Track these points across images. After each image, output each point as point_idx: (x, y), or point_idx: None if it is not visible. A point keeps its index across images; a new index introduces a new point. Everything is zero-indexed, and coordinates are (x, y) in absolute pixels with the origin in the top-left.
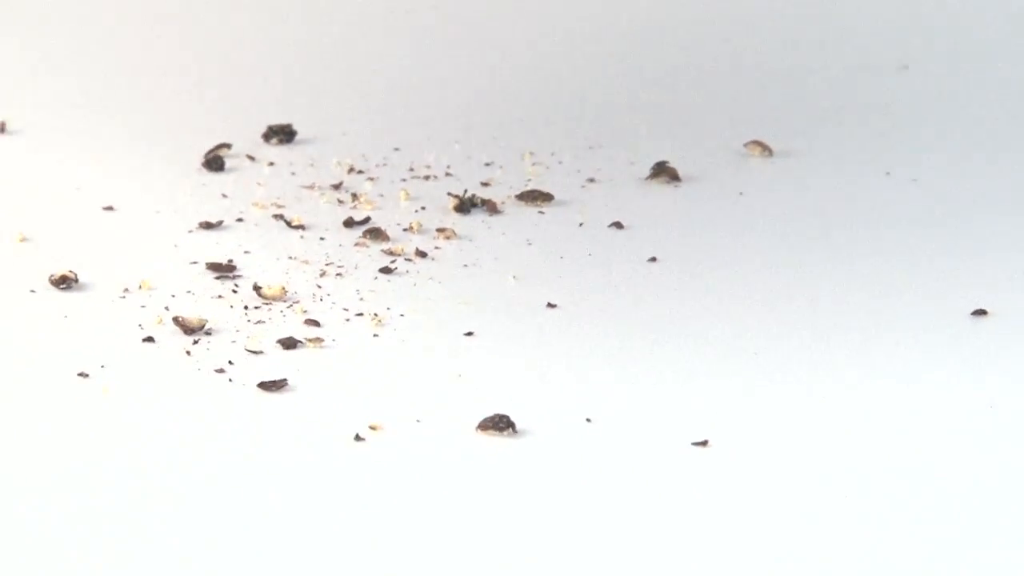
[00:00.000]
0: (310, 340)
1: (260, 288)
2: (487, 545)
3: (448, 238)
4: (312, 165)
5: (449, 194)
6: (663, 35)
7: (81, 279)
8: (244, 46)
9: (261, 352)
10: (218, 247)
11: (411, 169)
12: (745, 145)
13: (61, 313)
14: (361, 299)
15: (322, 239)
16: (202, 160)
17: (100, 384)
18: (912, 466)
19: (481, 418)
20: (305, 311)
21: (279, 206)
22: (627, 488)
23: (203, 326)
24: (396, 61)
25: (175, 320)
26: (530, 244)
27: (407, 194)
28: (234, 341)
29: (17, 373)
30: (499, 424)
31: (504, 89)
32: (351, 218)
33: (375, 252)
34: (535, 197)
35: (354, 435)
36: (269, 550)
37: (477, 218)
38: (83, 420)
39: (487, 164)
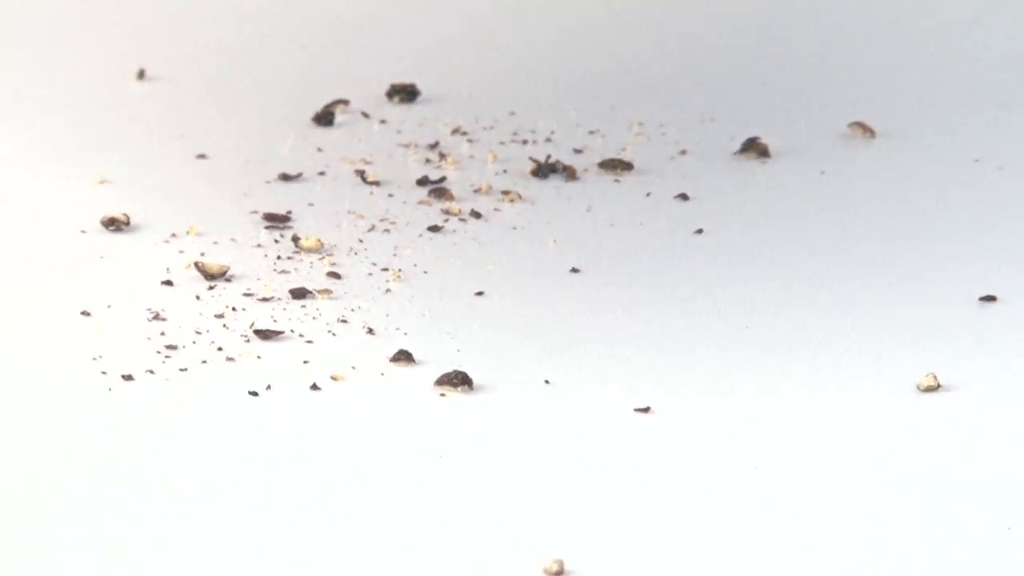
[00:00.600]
0: (320, 291)
1: (298, 239)
2: (411, 500)
3: (512, 201)
4: (421, 125)
5: (531, 158)
6: (789, 14)
7: (135, 222)
8: (378, 3)
9: (269, 299)
10: (286, 198)
11: (515, 133)
12: (848, 125)
13: (99, 254)
14: (394, 255)
15: (390, 196)
16: (313, 115)
17: (96, 323)
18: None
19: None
20: (333, 264)
21: (367, 163)
22: (556, 449)
23: (224, 273)
24: (528, 27)
25: (196, 265)
26: (588, 211)
27: (495, 156)
28: (249, 289)
29: (25, 306)
30: (454, 380)
31: (630, 60)
32: (426, 177)
33: (434, 211)
34: (615, 166)
35: (311, 384)
36: (201, 496)
37: (552, 183)
38: (68, 358)
39: (591, 132)
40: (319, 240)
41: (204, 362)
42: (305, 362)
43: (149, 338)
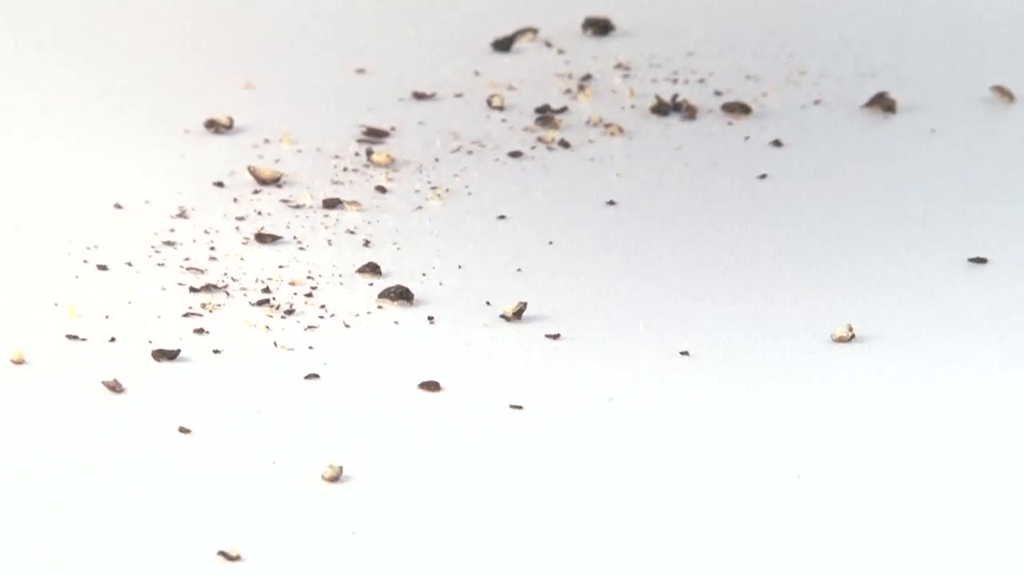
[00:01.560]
0: (349, 203)
1: (372, 153)
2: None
3: (612, 135)
4: (594, 58)
5: (656, 96)
6: None
7: (241, 125)
8: None
9: (300, 207)
10: (403, 114)
11: (675, 72)
12: (990, 88)
13: (181, 153)
14: (456, 175)
15: (503, 121)
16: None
17: (118, 216)
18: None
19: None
20: (391, 179)
21: (511, 89)
22: (442, 366)
23: (277, 179)
24: None
25: (249, 169)
26: (677, 149)
27: (632, 92)
28: (290, 196)
29: (65, 195)
30: (392, 294)
31: (820, 11)
32: (547, 106)
33: (531, 138)
34: (733, 109)
35: (264, 287)
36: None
37: (667, 122)
38: (65, 246)
39: (748, 76)
40: (388, 155)
41: (186, 259)
42: (280, 267)
43: (156, 233)
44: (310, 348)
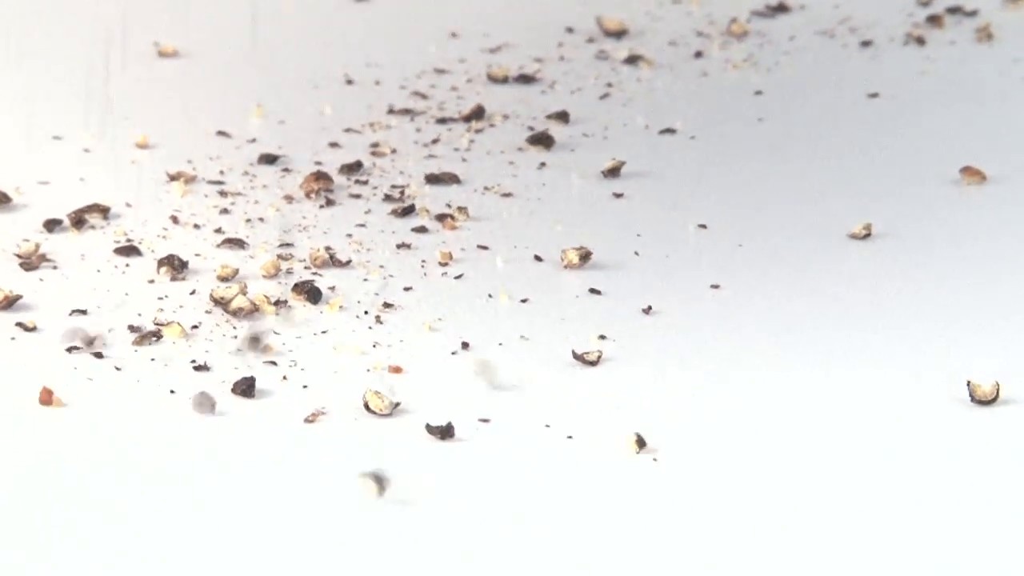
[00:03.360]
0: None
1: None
2: None
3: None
4: None
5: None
6: None
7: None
8: None
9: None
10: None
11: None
12: None
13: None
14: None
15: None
16: None
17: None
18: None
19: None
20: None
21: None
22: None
23: (622, 32)
24: None
25: (596, 18)
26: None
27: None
28: (604, 51)
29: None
30: (533, 139)
31: None
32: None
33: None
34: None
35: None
36: None
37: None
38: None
39: None
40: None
41: (424, 90)
42: (467, 110)
43: (421, 75)
44: (386, 194)
